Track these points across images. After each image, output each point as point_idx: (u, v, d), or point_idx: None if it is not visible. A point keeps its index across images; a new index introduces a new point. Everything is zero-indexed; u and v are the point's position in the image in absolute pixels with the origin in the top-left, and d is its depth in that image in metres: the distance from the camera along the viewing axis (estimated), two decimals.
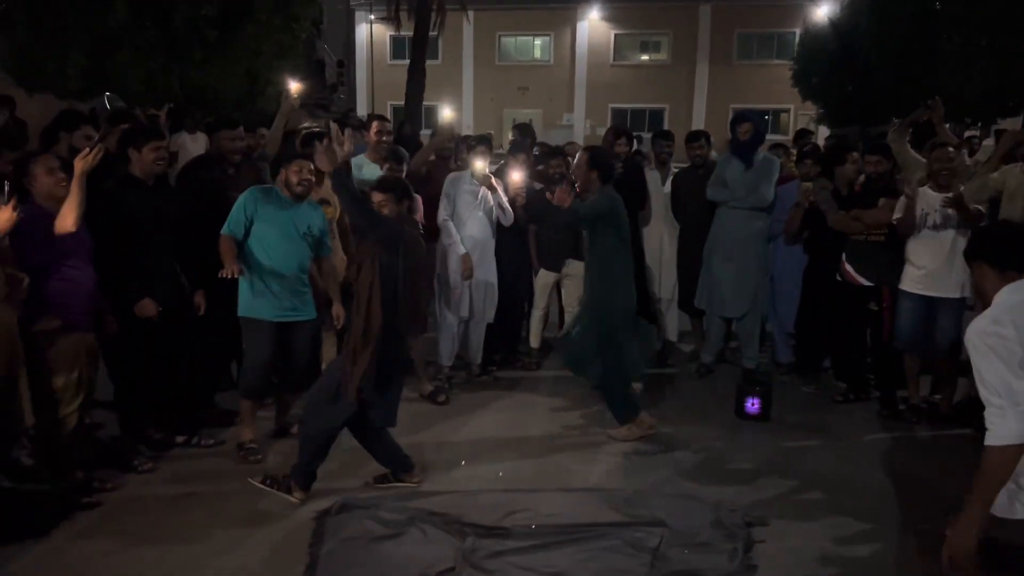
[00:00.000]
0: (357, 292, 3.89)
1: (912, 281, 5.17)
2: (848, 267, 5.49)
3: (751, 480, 4.46)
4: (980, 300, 2.78)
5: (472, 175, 5.63)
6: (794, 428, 5.23)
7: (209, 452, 4.65)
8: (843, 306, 5.56)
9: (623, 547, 3.69)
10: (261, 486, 4.04)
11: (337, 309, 4.61)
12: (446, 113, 6.21)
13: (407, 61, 22.37)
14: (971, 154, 9.06)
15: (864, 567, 3.63)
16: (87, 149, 3.74)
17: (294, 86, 5.37)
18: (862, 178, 5.71)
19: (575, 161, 5.01)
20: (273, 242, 4.37)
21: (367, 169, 5.58)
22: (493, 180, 5.61)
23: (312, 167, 4.42)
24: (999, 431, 2.36)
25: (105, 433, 4.66)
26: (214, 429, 4.83)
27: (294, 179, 4.42)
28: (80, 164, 3.71)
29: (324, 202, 4.93)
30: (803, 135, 8.48)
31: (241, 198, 4.39)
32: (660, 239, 6.53)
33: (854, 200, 5.57)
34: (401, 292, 3.95)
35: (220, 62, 10.35)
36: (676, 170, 6.64)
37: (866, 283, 5.42)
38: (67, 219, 3.70)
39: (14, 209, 3.38)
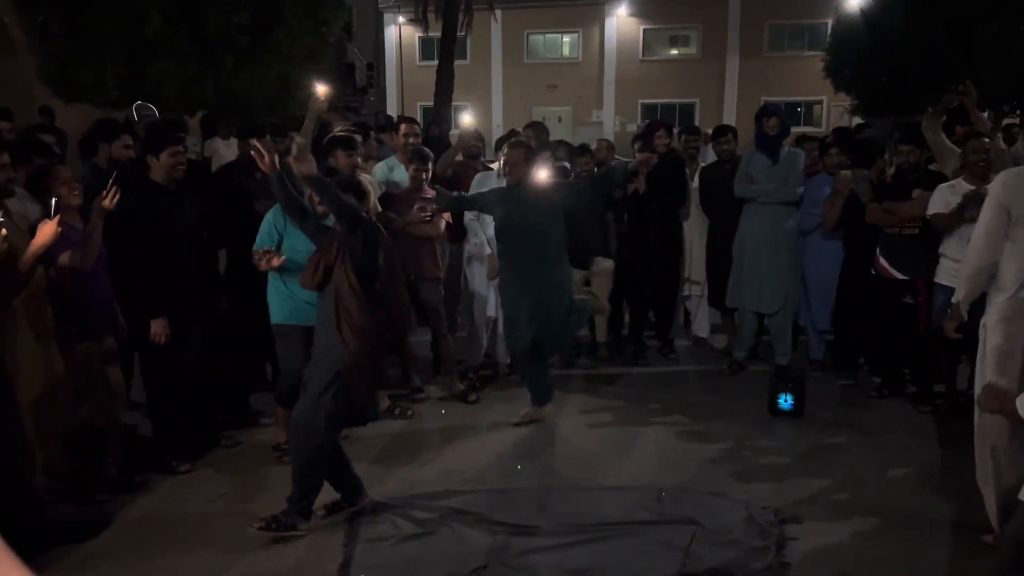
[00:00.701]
0: (339, 303, 3.66)
1: (948, 274, 5.07)
2: (882, 261, 5.42)
3: (784, 477, 4.43)
4: None
5: (498, 175, 5.65)
6: (828, 424, 5.18)
7: (245, 453, 4.74)
8: (878, 300, 5.49)
9: (654, 545, 3.69)
10: (261, 532, 3.71)
11: None
12: (466, 118, 6.27)
13: (436, 62, 22.49)
14: (1010, 142, 8.88)
15: (899, 564, 3.58)
16: (104, 192, 3.77)
17: (321, 89, 5.44)
18: (893, 169, 5.63)
19: (508, 156, 4.95)
20: (303, 254, 4.40)
21: (398, 171, 5.64)
22: None
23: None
24: None
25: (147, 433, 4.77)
26: (237, 431, 4.95)
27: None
28: (100, 206, 3.76)
29: None
30: (858, 130, 8.16)
31: (269, 215, 4.42)
32: (690, 235, 6.52)
33: (886, 191, 5.49)
34: (382, 292, 3.88)
35: (252, 68, 10.51)
36: (703, 165, 6.63)
37: (900, 277, 5.35)
38: (86, 259, 3.79)
39: (59, 224, 3.47)
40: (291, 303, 4.43)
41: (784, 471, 4.52)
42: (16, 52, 10.86)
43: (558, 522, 3.88)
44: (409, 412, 5.32)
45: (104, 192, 3.79)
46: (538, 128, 6.88)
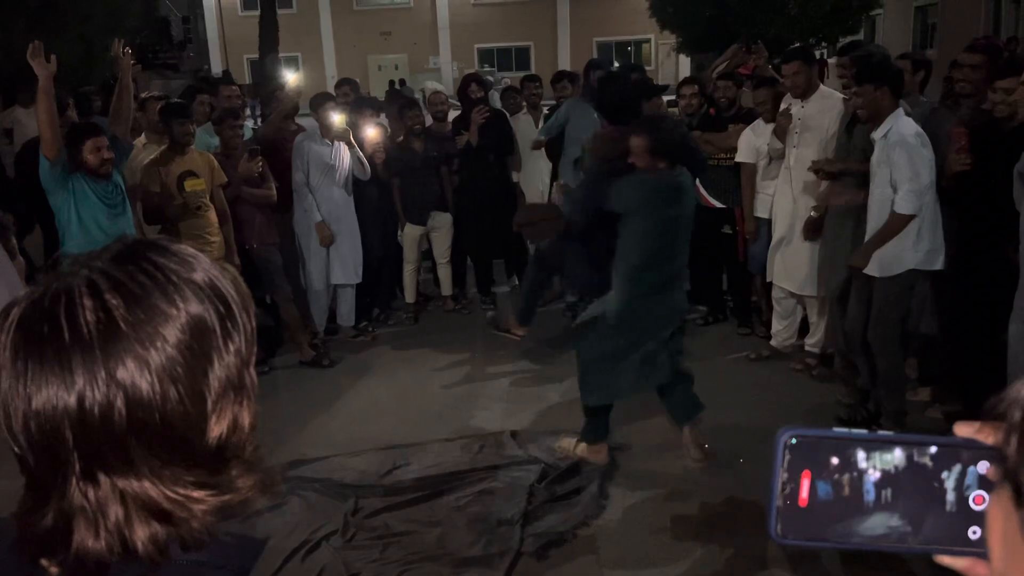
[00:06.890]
0: None
1: (763, 207, 5.43)
2: (701, 190, 5.74)
3: (620, 405, 4.65)
4: None
5: (322, 134, 5.48)
6: None
7: None
8: (698, 231, 5.80)
9: (502, 488, 3.84)
10: None
11: None
12: (290, 76, 6.06)
13: (259, 12, 21.41)
14: (822, 76, 9.43)
15: (727, 475, 3.91)
16: None
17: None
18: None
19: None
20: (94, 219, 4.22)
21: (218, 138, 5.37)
22: (351, 135, 5.49)
23: (108, 144, 4.20)
24: None
25: None
26: None
27: (92, 159, 4.17)
28: None
29: (191, 174, 4.74)
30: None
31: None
32: (540, 183, 6.65)
33: (705, 126, 5.78)
34: None
35: (47, 29, 9.66)
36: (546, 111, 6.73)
37: (719, 205, 5.70)
38: None
39: None
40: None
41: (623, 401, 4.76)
42: None
43: (410, 478, 3.96)
44: None
45: None
46: (354, 85, 6.82)
